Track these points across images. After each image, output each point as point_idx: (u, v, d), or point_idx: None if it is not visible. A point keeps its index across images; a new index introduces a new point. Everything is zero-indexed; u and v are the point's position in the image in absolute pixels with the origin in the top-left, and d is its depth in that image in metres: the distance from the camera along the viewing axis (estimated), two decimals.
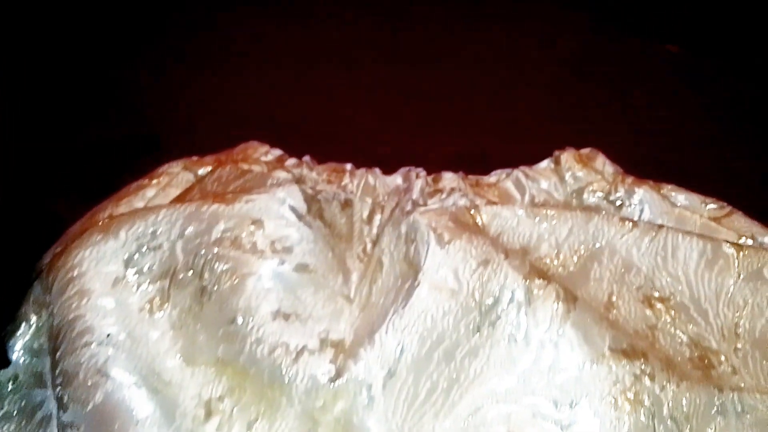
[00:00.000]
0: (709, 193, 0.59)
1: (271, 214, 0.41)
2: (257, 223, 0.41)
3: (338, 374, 0.36)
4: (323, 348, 0.37)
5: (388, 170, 0.66)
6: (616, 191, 0.54)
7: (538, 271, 0.39)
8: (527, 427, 0.35)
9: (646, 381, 0.36)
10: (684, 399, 0.36)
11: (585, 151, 0.59)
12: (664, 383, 0.36)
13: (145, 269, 0.40)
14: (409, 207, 0.44)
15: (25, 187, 0.56)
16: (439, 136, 0.71)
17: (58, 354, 0.37)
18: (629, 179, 0.55)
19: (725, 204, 0.54)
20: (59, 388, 0.36)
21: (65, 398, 0.36)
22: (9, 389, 0.38)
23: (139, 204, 0.51)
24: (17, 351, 0.39)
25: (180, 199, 0.48)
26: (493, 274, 0.38)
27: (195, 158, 0.56)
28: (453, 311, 0.37)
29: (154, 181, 0.52)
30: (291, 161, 0.54)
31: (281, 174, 0.48)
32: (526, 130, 0.72)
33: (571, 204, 0.53)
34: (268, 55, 0.75)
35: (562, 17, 0.83)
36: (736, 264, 0.43)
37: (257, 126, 0.70)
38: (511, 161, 0.63)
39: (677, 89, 0.78)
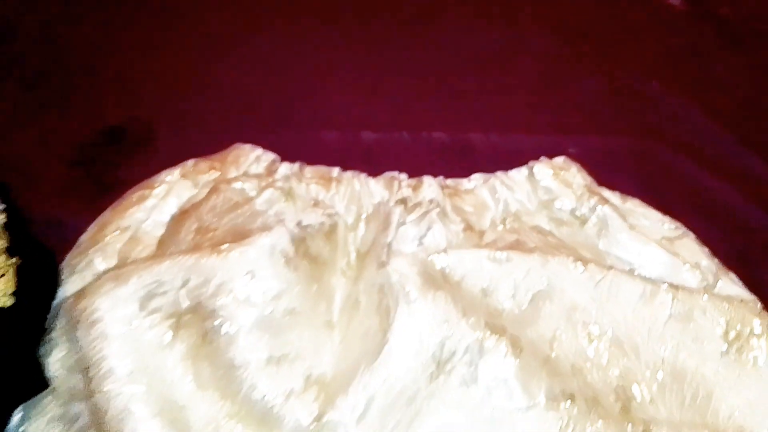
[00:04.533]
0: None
1: (262, 264, 0.47)
2: (250, 273, 0.47)
3: (320, 416, 0.44)
4: (307, 388, 0.45)
5: (376, 159, 0.70)
6: (581, 207, 0.59)
7: (491, 324, 0.46)
8: None
9: (571, 423, 0.43)
10: None
11: (559, 160, 0.63)
12: (587, 425, 0.43)
13: (155, 311, 0.46)
14: (384, 256, 0.49)
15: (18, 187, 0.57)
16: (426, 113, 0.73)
17: (88, 389, 0.45)
18: (594, 197, 0.59)
19: (681, 225, 0.59)
20: (91, 416, 0.44)
21: (96, 428, 0.44)
22: (50, 398, 0.46)
23: (141, 215, 0.57)
24: (54, 368, 0.47)
25: (179, 222, 0.53)
26: (451, 333, 0.45)
27: (191, 162, 0.61)
28: (415, 368, 0.44)
29: (155, 191, 0.57)
30: (282, 170, 0.59)
31: (272, 197, 0.53)
32: (519, 101, 0.74)
33: (540, 214, 0.58)
34: (253, 32, 0.74)
35: None
36: (670, 305, 0.50)
37: (244, 108, 0.72)
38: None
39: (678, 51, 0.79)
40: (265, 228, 0.50)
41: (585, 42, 0.78)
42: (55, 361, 0.47)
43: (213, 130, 0.68)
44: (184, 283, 0.46)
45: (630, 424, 0.45)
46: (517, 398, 0.44)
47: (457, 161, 0.69)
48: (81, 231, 0.57)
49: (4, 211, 0.47)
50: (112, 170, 0.63)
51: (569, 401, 0.44)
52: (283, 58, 0.73)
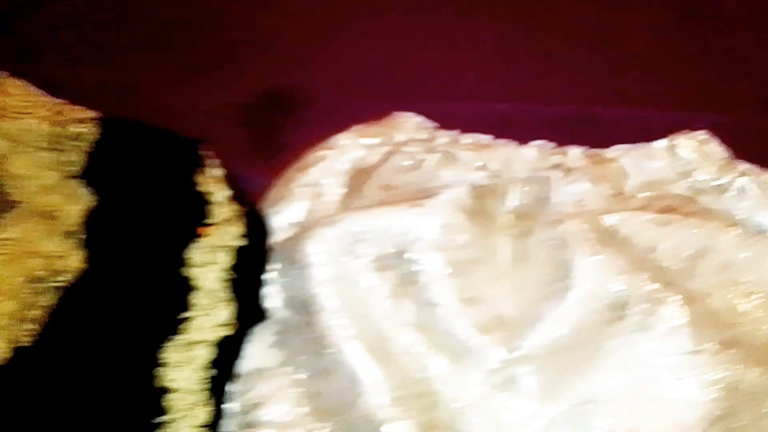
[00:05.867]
0: None
1: (451, 217, 0.53)
2: (442, 225, 0.53)
3: (512, 351, 0.50)
4: (498, 326, 0.51)
5: (510, 130, 0.75)
6: (720, 178, 0.63)
7: (661, 278, 0.51)
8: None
9: (733, 368, 0.48)
10: (764, 380, 0.48)
11: (699, 134, 0.67)
12: (747, 371, 0.48)
13: (362, 256, 0.52)
14: (560, 213, 0.55)
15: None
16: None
17: (303, 323, 0.51)
18: (734, 167, 0.63)
19: None
20: (305, 347, 0.51)
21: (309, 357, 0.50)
22: (266, 328, 0.52)
23: (321, 173, 0.63)
24: (271, 302, 0.53)
25: (359, 180, 0.59)
26: (627, 284, 0.50)
27: (360, 127, 0.66)
28: (594, 313, 0.50)
29: (331, 153, 0.63)
30: (441, 137, 0.64)
31: (439, 161, 0.59)
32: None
33: (678, 183, 0.62)
34: (394, 7, 0.78)
35: None
36: None
37: (386, 79, 0.77)
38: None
39: None
40: (444, 187, 0.56)
41: (702, 20, 0.81)
42: (272, 295, 0.54)
43: (360, 98, 0.74)
44: (386, 231, 0.52)
45: None
46: (687, 344, 0.49)
47: (586, 134, 0.73)
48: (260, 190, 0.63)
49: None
50: (277, 133, 0.70)
51: (732, 349, 0.49)
52: (423, 32, 0.78)
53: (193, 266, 0.50)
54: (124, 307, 0.49)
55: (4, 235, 0.54)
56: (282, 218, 0.59)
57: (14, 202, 0.56)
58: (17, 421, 0.48)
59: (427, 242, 0.52)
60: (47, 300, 0.53)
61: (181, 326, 0.48)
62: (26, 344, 0.52)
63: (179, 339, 0.48)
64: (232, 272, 0.50)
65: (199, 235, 0.50)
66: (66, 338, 0.50)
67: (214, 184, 0.53)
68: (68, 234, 0.55)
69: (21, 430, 0.47)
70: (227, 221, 0.52)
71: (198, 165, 0.54)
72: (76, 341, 0.49)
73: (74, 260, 0.54)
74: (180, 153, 0.54)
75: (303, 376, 0.52)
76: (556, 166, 0.61)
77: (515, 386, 0.50)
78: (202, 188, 0.52)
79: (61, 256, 0.54)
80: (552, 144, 0.66)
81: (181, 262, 0.50)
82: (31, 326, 0.52)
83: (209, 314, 0.49)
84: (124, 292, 0.49)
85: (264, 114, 0.70)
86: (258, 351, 0.52)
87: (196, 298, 0.49)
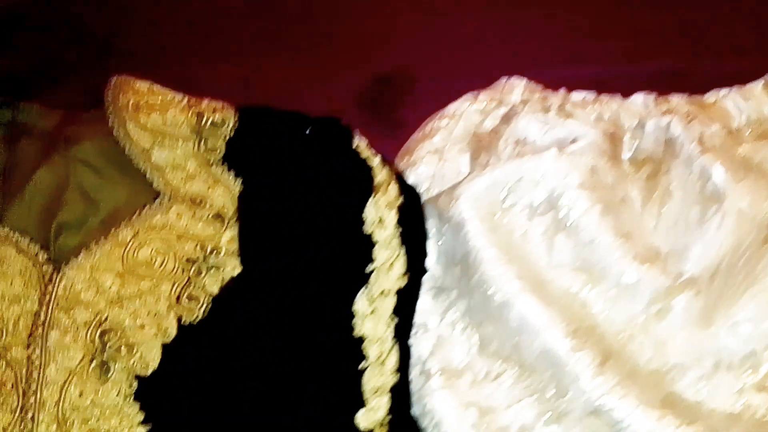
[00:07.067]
0: None
1: (592, 163, 0.56)
2: (588, 169, 0.56)
3: (676, 278, 0.53)
4: (656, 257, 0.53)
5: (604, 89, 0.77)
6: None
7: None
8: None
9: None
10: None
11: None
12: None
13: (513, 205, 0.55)
14: (694, 149, 0.58)
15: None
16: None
17: (463, 275, 0.54)
18: None
19: None
20: (467, 299, 0.54)
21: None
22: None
23: (441, 141, 0.65)
24: (429, 259, 0.56)
25: (486, 141, 0.62)
26: None
27: (472, 94, 0.69)
28: (749, 232, 0.53)
29: (445, 122, 0.66)
30: (552, 98, 0.67)
31: (558, 118, 0.61)
32: None
33: None
34: None
35: None
36: None
37: (482, 50, 0.81)
38: None
39: None
40: (576, 137, 0.58)
41: None
42: (430, 249, 0.57)
43: (464, 72, 0.75)
44: (535, 179, 0.56)
45: None
46: None
47: (676, 89, 0.76)
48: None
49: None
50: (392, 112, 0.73)
51: None
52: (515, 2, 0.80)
53: (371, 223, 0.53)
54: (311, 268, 0.52)
55: (155, 222, 0.57)
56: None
57: (161, 191, 0.59)
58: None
59: (578, 185, 0.55)
60: (205, 279, 0.56)
61: (369, 279, 0.51)
62: (194, 321, 0.55)
63: (368, 290, 0.51)
64: (399, 227, 0.54)
65: (373, 194, 0.53)
66: (246, 308, 0.53)
67: (366, 150, 0.57)
68: (216, 217, 0.58)
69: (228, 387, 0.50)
70: (386, 182, 0.55)
71: (350, 136, 0.57)
72: (263, 308, 0.52)
73: (226, 240, 0.57)
74: (327, 130, 0.58)
75: (469, 324, 0.54)
76: (668, 112, 0.64)
77: (675, 314, 0.52)
78: (362, 155, 0.56)
79: (212, 238, 0.57)
80: (653, 94, 0.70)
81: (362, 220, 0.53)
82: (197, 304, 0.55)
83: (389, 266, 0.52)
84: (308, 255, 0.52)
85: (378, 95, 0.73)
86: (421, 306, 0.55)
87: (377, 252, 0.52)
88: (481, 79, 0.72)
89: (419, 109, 0.70)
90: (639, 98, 0.66)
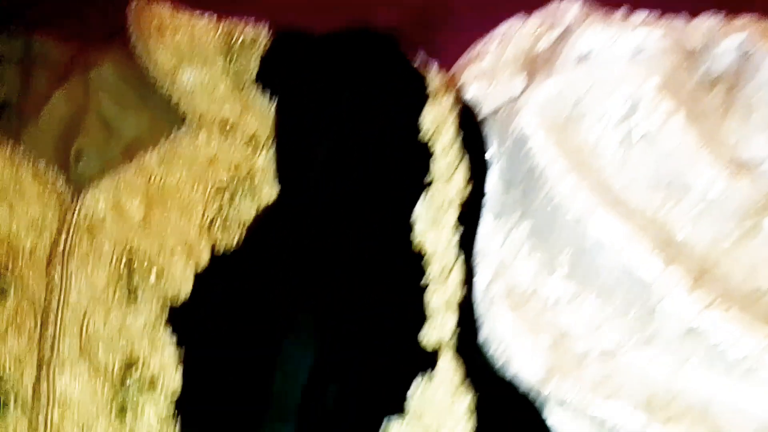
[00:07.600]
0: None
1: (671, 66, 0.51)
2: (667, 77, 0.51)
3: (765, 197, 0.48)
4: (741, 167, 0.48)
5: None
6: None
7: None
8: None
9: None
10: None
11: None
12: None
13: (583, 115, 0.50)
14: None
15: None
16: None
17: (530, 194, 0.50)
18: None
19: None
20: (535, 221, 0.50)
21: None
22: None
23: (492, 62, 0.60)
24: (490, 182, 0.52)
25: (535, 62, 0.56)
26: None
27: (519, 20, 0.64)
28: None
29: (492, 47, 0.60)
30: (615, 17, 0.62)
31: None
32: None
33: None
34: None
35: None
36: None
37: None
38: None
39: None
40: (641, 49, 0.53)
41: None
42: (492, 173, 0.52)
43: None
44: (606, 87, 0.50)
45: None
46: None
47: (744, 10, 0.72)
48: None
49: None
50: (429, 47, 0.68)
51: None
52: None
53: (428, 131, 0.48)
54: (362, 183, 0.47)
55: (183, 148, 0.52)
56: None
57: (188, 116, 0.54)
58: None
59: (659, 87, 0.49)
60: (239, 206, 0.51)
61: (427, 190, 0.47)
62: (228, 250, 0.50)
63: (427, 202, 0.47)
64: (459, 133, 0.49)
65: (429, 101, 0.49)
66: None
67: (418, 58, 0.52)
68: (249, 140, 0.54)
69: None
70: (443, 89, 0.51)
71: (396, 45, 0.52)
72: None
73: (261, 164, 0.52)
74: (372, 40, 0.53)
75: (536, 246, 0.49)
76: (738, 29, 0.59)
77: (766, 233, 0.47)
78: (414, 63, 0.51)
79: (245, 162, 0.52)
80: (720, 14, 0.65)
81: (417, 128, 0.48)
82: (230, 232, 0.51)
83: (449, 176, 0.47)
84: (358, 169, 0.48)
85: (414, 30, 0.69)
86: (481, 229, 0.50)
87: (435, 163, 0.48)
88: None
89: (458, 40, 0.65)
90: (705, 19, 0.62)
